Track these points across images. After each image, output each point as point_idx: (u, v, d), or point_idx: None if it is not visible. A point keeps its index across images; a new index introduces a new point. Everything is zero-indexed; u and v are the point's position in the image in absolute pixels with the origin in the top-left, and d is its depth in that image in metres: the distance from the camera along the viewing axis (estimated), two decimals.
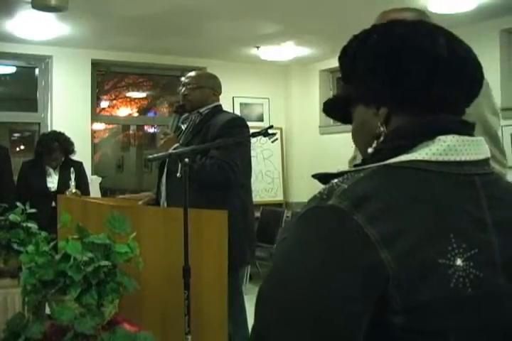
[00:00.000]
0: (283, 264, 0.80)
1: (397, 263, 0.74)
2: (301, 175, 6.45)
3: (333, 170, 0.87)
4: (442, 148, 0.82)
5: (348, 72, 0.93)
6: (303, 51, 5.83)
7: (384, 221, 0.75)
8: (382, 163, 0.83)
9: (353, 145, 1.01)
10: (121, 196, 3.40)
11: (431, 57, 0.84)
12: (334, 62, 0.98)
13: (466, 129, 0.86)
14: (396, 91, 0.85)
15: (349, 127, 0.97)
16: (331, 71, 6.37)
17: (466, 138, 0.84)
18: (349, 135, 0.97)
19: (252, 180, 3.03)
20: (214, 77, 3.08)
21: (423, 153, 0.82)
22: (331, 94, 6.24)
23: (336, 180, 0.82)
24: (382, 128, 0.88)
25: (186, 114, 3.01)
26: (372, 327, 0.75)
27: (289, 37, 5.28)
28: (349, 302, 0.74)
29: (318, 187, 0.85)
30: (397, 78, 0.84)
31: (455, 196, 0.81)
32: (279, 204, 6.54)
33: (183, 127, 2.99)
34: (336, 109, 1.01)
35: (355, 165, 0.87)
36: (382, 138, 0.88)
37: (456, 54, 0.86)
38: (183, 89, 2.97)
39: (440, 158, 0.82)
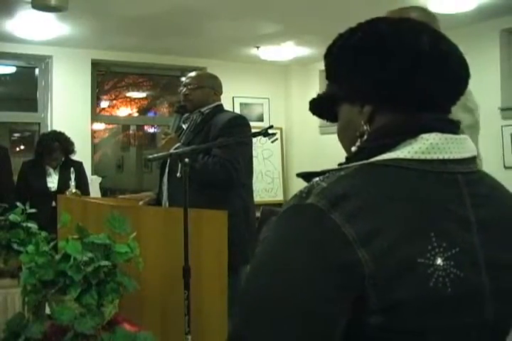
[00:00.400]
0: (262, 264, 0.79)
1: (374, 262, 0.73)
2: None
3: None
4: (425, 146, 0.81)
5: (333, 71, 0.93)
6: (303, 51, 5.83)
7: (362, 219, 0.74)
8: (364, 162, 0.82)
9: None
10: (121, 196, 3.40)
11: (414, 54, 0.83)
12: None
13: (450, 127, 0.86)
14: (379, 89, 0.85)
15: None
16: None
17: (449, 136, 0.83)
18: None
19: (253, 180, 3.03)
20: (214, 77, 3.08)
21: (405, 152, 0.81)
22: None
23: (316, 179, 0.81)
24: (365, 127, 0.88)
25: (187, 114, 3.01)
26: (350, 327, 0.75)
27: (289, 37, 5.28)
28: (325, 303, 0.73)
29: None
30: (381, 76, 0.84)
31: (437, 194, 0.81)
32: (279, 204, 6.54)
33: (184, 127, 3.00)
34: (322, 108, 1.00)
35: (340, 164, 0.87)
36: (365, 137, 0.88)
37: (440, 51, 0.85)
38: (184, 89, 2.97)
39: (422, 157, 0.81)
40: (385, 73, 0.83)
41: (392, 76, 0.83)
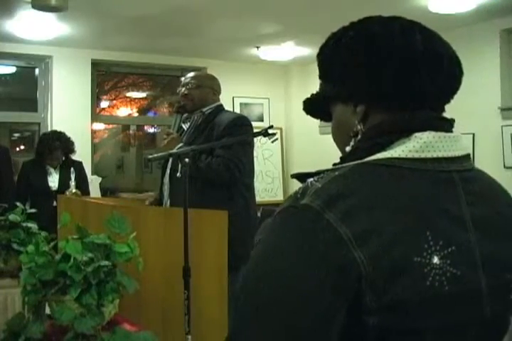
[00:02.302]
0: (256, 265, 0.79)
1: (370, 262, 0.72)
2: None
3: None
4: (418, 145, 0.81)
5: (325, 70, 0.94)
6: (303, 51, 5.83)
7: (357, 219, 0.74)
8: (358, 162, 0.82)
9: None
10: (124, 195, 3.41)
11: (407, 54, 0.83)
12: None
13: (443, 126, 0.86)
14: (372, 89, 0.85)
15: None
16: None
17: (443, 134, 0.83)
18: None
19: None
20: (213, 78, 3.09)
21: (399, 151, 0.81)
22: None
23: (311, 179, 0.81)
24: (359, 127, 0.88)
25: (186, 114, 3.02)
26: (347, 327, 0.74)
27: (289, 37, 5.28)
28: (320, 303, 0.72)
29: None
30: (373, 75, 0.84)
31: (432, 193, 0.80)
32: (279, 205, 6.53)
33: (185, 127, 3.00)
34: (316, 108, 1.00)
35: (334, 164, 0.86)
36: (359, 137, 0.88)
37: (433, 50, 0.85)
38: (183, 88, 2.98)
39: (416, 155, 0.81)
40: (377, 73, 0.83)
41: (385, 76, 0.83)
